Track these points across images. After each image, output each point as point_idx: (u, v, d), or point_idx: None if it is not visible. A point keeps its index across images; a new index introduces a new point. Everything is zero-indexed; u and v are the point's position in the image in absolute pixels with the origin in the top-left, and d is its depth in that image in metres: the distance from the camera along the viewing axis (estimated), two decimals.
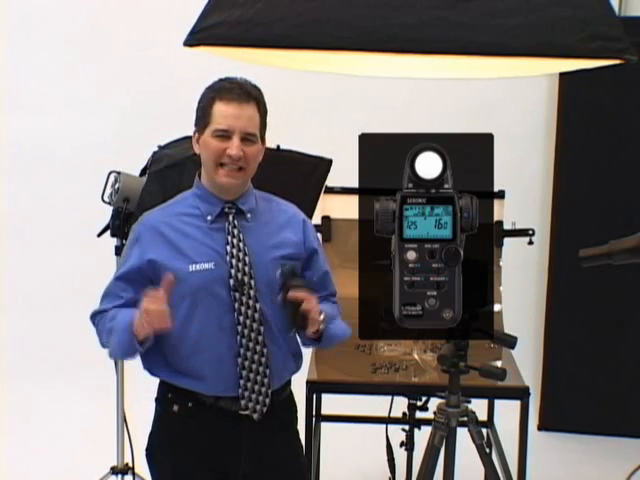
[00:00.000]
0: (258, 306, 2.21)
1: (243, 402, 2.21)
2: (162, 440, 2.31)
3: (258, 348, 2.21)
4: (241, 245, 2.22)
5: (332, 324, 2.28)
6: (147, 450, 2.34)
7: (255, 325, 2.20)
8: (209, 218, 2.24)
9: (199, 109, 2.24)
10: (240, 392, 2.21)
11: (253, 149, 2.21)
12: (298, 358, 2.36)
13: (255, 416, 2.23)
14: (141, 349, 2.16)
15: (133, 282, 2.23)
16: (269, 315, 2.23)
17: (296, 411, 2.42)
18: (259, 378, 2.22)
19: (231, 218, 2.25)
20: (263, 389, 2.23)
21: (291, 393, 2.39)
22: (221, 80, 2.24)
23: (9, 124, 4.96)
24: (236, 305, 2.19)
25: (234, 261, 2.20)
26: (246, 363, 2.20)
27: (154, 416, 2.34)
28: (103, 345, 2.30)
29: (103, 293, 2.29)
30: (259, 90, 2.24)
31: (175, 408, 2.26)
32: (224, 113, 2.17)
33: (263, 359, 2.21)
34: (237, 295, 2.19)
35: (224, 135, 2.18)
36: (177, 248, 2.21)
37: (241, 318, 2.20)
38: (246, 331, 2.20)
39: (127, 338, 2.13)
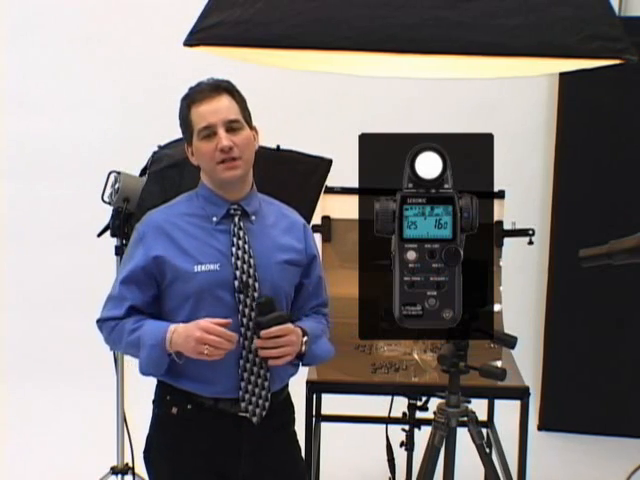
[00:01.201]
0: None
1: (243, 404, 2.21)
2: (160, 442, 2.30)
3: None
4: (246, 247, 2.22)
5: (315, 344, 2.28)
6: (145, 452, 2.33)
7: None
8: (214, 219, 2.24)
9: (181, 123, 2.25)
10: (241, 394, 2.20)
11: (242, 136, 2.20)
12: (298, 364, 2.35)
13: (255, 419, 2.22)
14: (168, 362, 2.16)
15: (138, 283, 2.21)
16: None
17: (294, 412, 2.41)
18: (260, 381, 2.21)
19: (237, 220, 2.24)
20: (263, 392, 2.22)
21: (288, 394, 2.38)
22: (190, 88, 2.25)
23: (9, 124, 4.96)
24: (240, 307, 2.19)
25: (239, 263, 2.19)
26: (247, 365, 2.20)
27: (152, 418, 2.32)
28: (113, 349, 2.29)
29: (108, 296, 2.27)
30: (228, 81, 2.24)
31: (174, 410, 2.24)
32: (201, 113, 2.18)
33: (264, 362, 2.21)
34: (241, 297, 2.19)
35: (209, 133, 2.17)
36: (182, 248, 2.20)
37: (244, 320, 2.19)
38: (249, 333, 2.19)
39: (158, 354, 2.13)
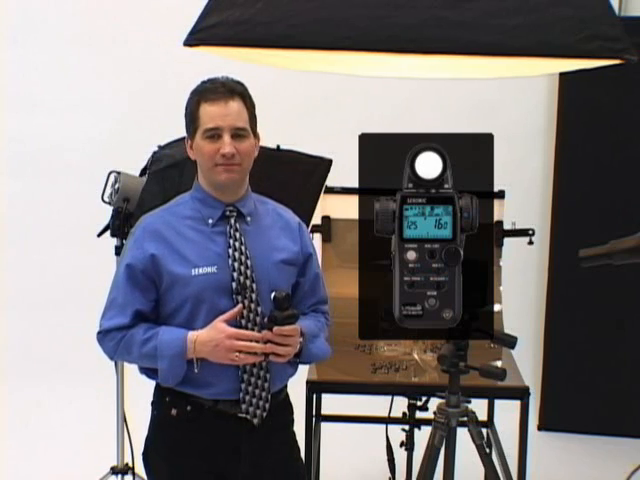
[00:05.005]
0: (260, 310, 2.20)
1: (244, 406, 2.20)
2: (159, 444, 2.29)
3: None
4: (243, 249, 2.21)
5: (312, 343, 2.28)
6: (144, 454, 2.33)
7: (257, 329, 2.19)
8: (210, 221, 2.23)
9: (187, 115, 2.23)
10: (241, 396, 2.20)
11: (246, 144, 2.19)
12: (295, 362, 2.35)
13: (255, 420, 2.22)
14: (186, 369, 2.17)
15: (139, 286, 2.19)
16: None
17: (293, 412, 2.41)
18: (260, 382, 2.22)
19: (232, 221, 2.24)
20: (263, 393, 2.22)
21: (287, 395, 2.38)
22: (203, 82, 2.23)
23: (9, 124, 4.96)
24: None
25: (236, 264, 2.19)
26: (247, 367, 2.19)
27: (150, 419, 2.32)
28: (118, 359, 2.27)
29: (107, 304, 2.23)
30: (243, 85, 2.23)
31: (173, 412, 2.23)
32: (211, 113, 2.16)
33: (264, 363, 2.21)
34: (239, 299, 2.18)
35: (214, 135, 2.17)
36: (178, 251, 2.19)
37: (243, 322, 2.18)
38: None
39: (179, 364, 2.14)
